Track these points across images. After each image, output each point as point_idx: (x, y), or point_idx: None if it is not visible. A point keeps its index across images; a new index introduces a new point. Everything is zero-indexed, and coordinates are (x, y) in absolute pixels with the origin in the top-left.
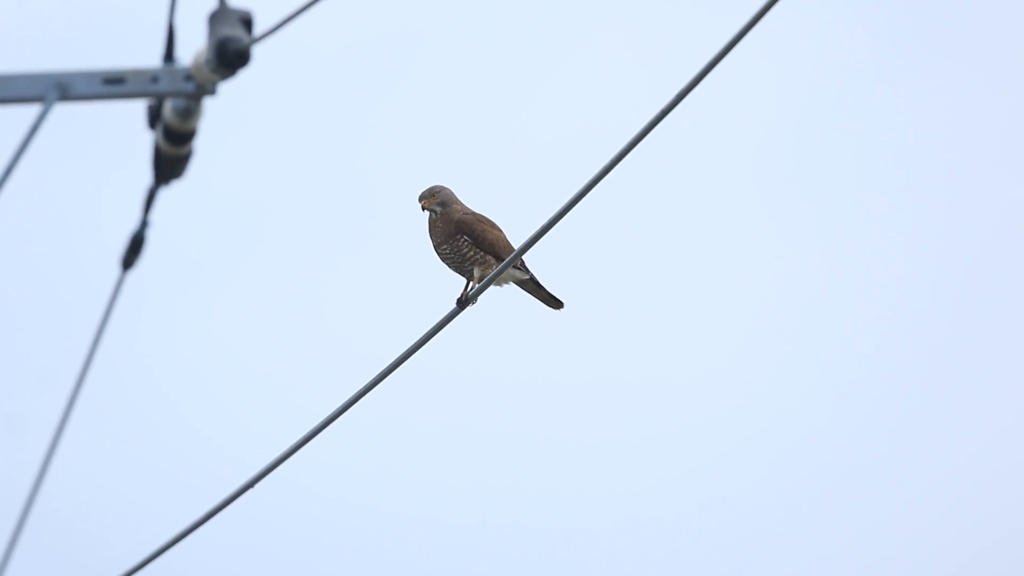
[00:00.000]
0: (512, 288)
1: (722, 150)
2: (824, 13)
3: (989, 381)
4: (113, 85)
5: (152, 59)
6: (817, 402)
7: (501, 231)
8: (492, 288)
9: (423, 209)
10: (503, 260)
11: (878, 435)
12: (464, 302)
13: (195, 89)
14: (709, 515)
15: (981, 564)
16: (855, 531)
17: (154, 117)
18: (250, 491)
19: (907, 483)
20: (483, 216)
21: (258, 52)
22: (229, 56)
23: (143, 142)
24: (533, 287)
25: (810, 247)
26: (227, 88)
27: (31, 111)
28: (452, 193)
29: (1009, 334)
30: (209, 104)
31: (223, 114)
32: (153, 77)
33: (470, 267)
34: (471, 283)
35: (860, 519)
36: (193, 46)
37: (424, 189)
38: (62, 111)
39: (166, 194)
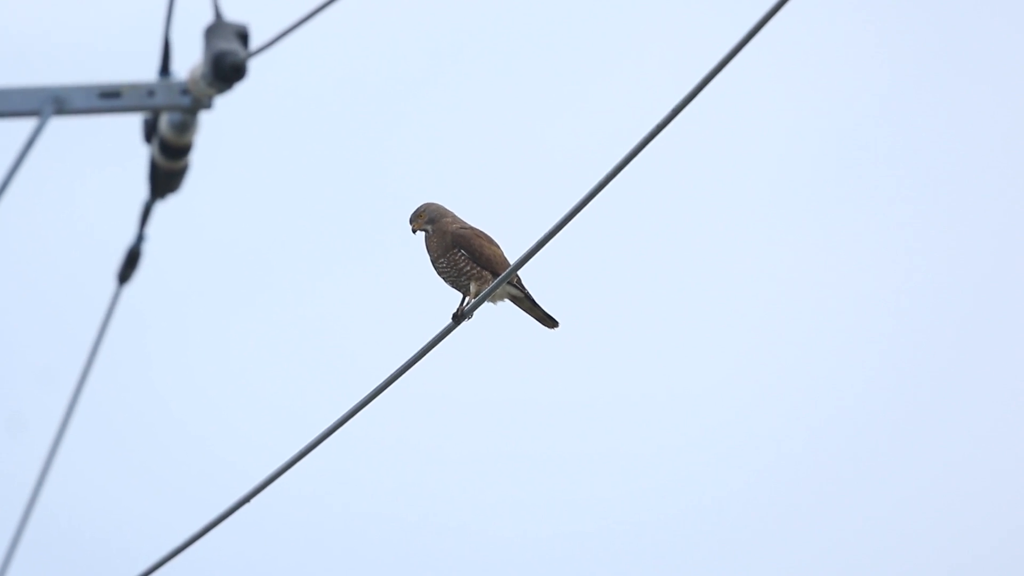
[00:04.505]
0: (507, 305)
1: (720, 167)
2: (836, 23)
3: (989, 384)
4: (109, 99)
5: (148, 73)
6: (815, 410)
7: (498, 247)
8: (487, 305)
9: (413, 232)
10: (499, 276)
11: (876, 442)
12: (460, 317)
13: (191, 103)
14: (705, 530)
15: (981, 564)
16: (855, 536)
17: (150, 131)
18: (246, 505)
19: (906, 484)
20: (480, 231)
21: (254, 66)
22: (225, 70)
23: (139, 156)
24: (528, 305)
25: (808, 257)
26: (223, 102)
27: (27, 125)
28: (440, 207)
29: (1010, 342)
30: (205, 118)
31: (219, 128)
32: (149, 91)
33: (466, 282)
34: (467, 298)
35: (859, 523)
36: (189, 60)
37: (412, 212)
38: (58, 125)
39: (162, 208)
